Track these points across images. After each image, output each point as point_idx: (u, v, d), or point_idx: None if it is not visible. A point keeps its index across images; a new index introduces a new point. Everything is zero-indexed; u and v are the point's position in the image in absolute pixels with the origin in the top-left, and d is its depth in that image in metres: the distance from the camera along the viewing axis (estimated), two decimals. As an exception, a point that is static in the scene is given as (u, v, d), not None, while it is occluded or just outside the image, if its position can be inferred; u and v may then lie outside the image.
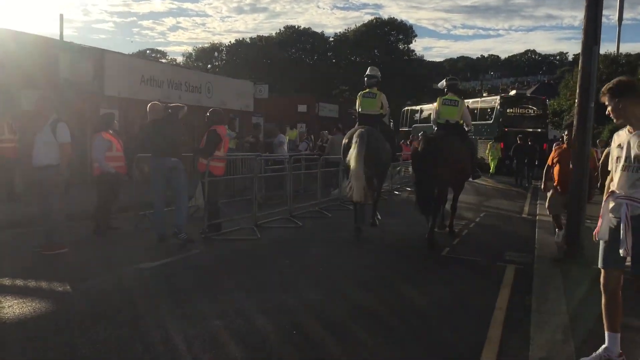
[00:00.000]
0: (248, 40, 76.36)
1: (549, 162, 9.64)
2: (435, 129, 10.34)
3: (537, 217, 12.68)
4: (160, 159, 8.45)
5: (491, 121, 28.71)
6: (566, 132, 9.44)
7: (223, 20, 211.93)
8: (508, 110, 28.96)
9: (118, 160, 9.30)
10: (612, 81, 4.14)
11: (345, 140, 10.01)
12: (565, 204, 8.50)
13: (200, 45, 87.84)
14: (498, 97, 30.45)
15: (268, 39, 74.82)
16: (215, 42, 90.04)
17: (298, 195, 13.35)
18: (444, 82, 10.85)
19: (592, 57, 7.58)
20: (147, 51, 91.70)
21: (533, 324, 5.09)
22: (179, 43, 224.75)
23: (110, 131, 9.35)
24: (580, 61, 7.81)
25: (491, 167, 25.33)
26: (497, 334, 5.00)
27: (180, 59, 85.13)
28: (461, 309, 5.81)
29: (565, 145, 9.27)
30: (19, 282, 6.17)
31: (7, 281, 6.19)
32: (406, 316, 5.49)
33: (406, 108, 41.29)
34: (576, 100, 7.91)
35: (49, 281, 6.22)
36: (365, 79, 10.75)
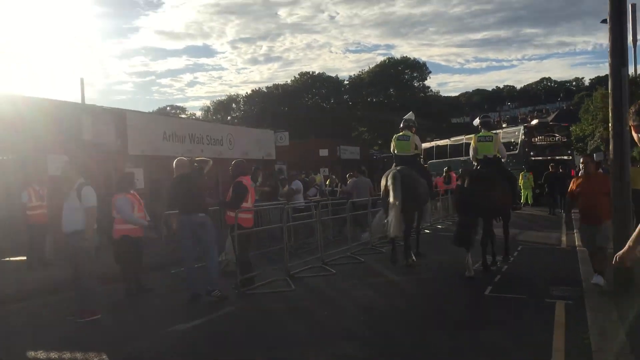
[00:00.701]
0: (264, 89, 77.51)
1: (569, 195, 8.86)
2: (475, 164, 10.91)
3: (578, 248, 12.26)
4: (188, 214, 8.33)
5: (516, 151, 28.35)
6: (582, 160, 9.15)
7: (239, 72, 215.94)
8: (533, 140, 28.67)
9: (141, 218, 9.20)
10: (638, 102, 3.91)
11: (383, 182, 10.86)
12: (596, 236, 8.10)
13: (217, 99, 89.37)
14: (522, 127, 30.22)
15: (284, 86, 75.84)
16: (232, 94, 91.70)
17: (328, 241, 13.12)
18: (478, 120, 11.58)
19: (621, 79, 7.38)
20: (167, 108, 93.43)
21: (597, 366, 4.76)
22: (197, 98, 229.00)
23: (132, 191, 9.25)
24: (610, 84, 7.61)
25: (526, 198, 24.89)
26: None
27: (199, 113, 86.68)
28: (519, 352, 5.49)
29: (584, 174, 8.74)
30: (53, 354, 5.99)
31: (41, 353, 6.01)
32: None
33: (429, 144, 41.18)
34: (610, 125, 7.67)
35: (84, 350, 6.03)
36: (402, 122, 11.69)
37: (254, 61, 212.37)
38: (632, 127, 4.01)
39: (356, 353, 5.68)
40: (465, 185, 9.96)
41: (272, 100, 71.67)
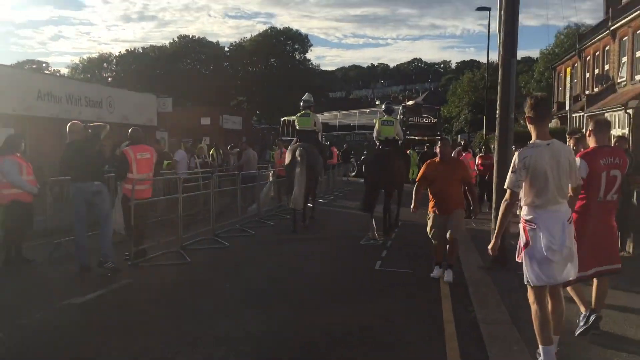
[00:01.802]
0: (140, 50, 73.95)
1: (419, 179, 8.00)
2: (378, 143, 12.51)
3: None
4: (83, 183, 7.97)
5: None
6: (439, 145, 8.09)
7: (109, 29, 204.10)
8: (409, 120, 30.15)
9: (31, 183, 8.65)
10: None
11: (289, 155, 12.77)
12: (447, 226, 7.66)
13: (86, 55, 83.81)
14: (400, 107, 31.57)
15: (162, 48, 72.79)
16: (102, 51, 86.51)
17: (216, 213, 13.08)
18: (383, 106, 13.73)
19: (510, 70, 8.09)
20: (27, 62, 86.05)
21: (485, 336, 5.32)
22: (62, 53, 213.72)
23: (18, 154, 8.63)
24: (499, 73, 8.29)
25: (412, 174, 26.17)
26: (456, 349, 5.16)
27: (64, 70, 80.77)
28: (412, 324, 5.95)
29: (438, 159, 7.94)
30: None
31: None
32: (361, 336, 5.54)
33: (285, 118, 41.53)
34: (497, 113, 8.38)
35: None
36: (302, 103, 13.36)
37: (127, 18, 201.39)
38: (527, 118, 4.56)
39: (257, 323, 5.85)
40: (371, 161, 11.90)
41: (149, 62, 68.58)
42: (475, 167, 15.22)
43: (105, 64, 76.59)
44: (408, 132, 29.21)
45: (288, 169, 12.64)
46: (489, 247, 4.79)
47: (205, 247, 10.17)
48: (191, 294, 7.19)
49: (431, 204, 7.85)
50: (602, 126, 5.27)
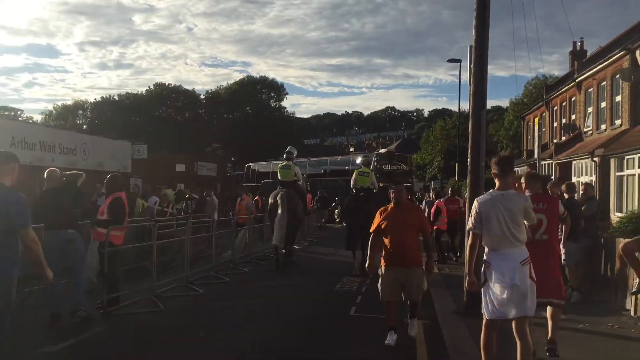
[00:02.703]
0: (115, 97, 73.94)
1: (374, 231, 7.08)
2: (354, 191, 13.91)
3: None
4: (57, 231, 7.90)
5: None
6: (392, 189, 7.15)
7: (85, 76, 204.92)
8: (383, 167, 30.80)
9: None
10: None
11: (271, 200, 14.06)
12: (405, 285, 6.94)
13: (61, 102, 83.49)
14: (374, 155, 32.43)
15: (137, 96, 72.91)
16: (77, 98, 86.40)
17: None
18: (360, 159, 16.88)
19: (480, 120, 8.37)
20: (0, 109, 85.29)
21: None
22: (35, 100, 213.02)
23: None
24: (470, 122, 8.57)
25: None
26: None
27: (38, 117, 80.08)
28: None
29: (392, 205, 7.06)
30: None
31: None
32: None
33: (250, 165, 42.08)
34: (468, 160, 8.62)
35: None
36: (285, 154, 14.53)
37: (103, 66, 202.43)
38: (492, 173, 5.35)
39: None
40: (351, 206, 13.67)
41: (124, 109, 68.55)
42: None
43: (79, 111, 76.29)
44: (381, 179, 29.72)
45: (270, 212, 14.08)
46: (465, 284, 5.88)
47: (179, 295, 10.07)
48: (164, 342, 7.11)
49: (383, 256, 6.79)
50: (533, 178, 6.40)
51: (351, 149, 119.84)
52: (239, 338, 7.27)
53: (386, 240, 6.84)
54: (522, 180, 6.30)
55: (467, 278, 5.41)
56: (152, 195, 16.57)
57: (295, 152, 14.83)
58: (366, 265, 7.04)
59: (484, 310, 5.16)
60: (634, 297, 8.20)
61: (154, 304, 9.04)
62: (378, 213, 7.04)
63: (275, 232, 13.39)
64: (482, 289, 5.13)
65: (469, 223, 5.34)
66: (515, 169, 5.61)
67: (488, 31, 8.43)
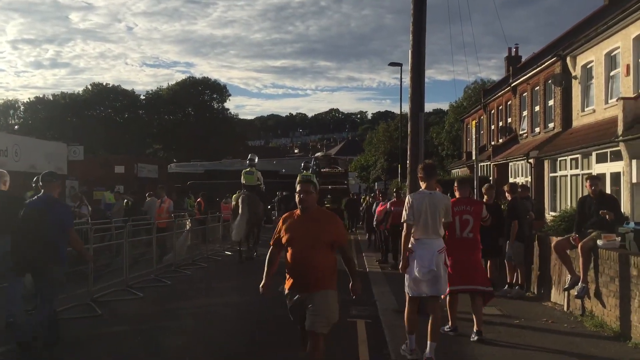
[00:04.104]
0: (50, 97, 71.37)
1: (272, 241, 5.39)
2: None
3: (367, 269, 13.55)
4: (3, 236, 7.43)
5: None
6: (298, 189, 5.25)
7: (18, 75, 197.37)
8: (321, 169, 31.42)
9: None
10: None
11: (233, 202, 15.92)
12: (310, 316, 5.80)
13: (-9, 102, 79.78)
14: (313, 158, 33.38)
15: (73, 96, 70.62)
16: (10, 98, 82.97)
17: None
18: (303, 164, 18.41)
19: (419, 123, 8.53)
20: None
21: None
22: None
23: None
24: (409, 125, 8.73)
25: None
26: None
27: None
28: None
29: (298, 211, 5.22)
30: None
31: None
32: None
33: (172, 165, 44.03)
34: (407, 162, 8.76)
35: None
36: (248, 161, 16.48)
37: (38, 65, 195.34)
38: (419, 178, 6.47)
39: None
40: (290, 207, 14.37)
41: (60, 109, 66.27)
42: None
43: (11, 111, 73.31)
44: (320, 181, 30.19)
45: (233, 212, 15.73)
46: (399, 267, 6.39)
47: (118, 299, 9.79)
48: (100, 349, 6.89)
49: (287, 277, 5.15)
50: (463, 183, 7.30)
51: (295, 151, 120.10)
52: (177, 343, 7.13)
53: (288, 256, 5.10)
54: (455, 185, 7.30)
55: (401, 260, 6.35)
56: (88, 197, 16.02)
57: (257, 159, 16.80)
58: (260, 286, 5.26)
59: (406, 289, 6.29)
60: (566, 292, 8.53)
61: (92, 309, 8.76)
62: (281, 220, 5.33)
63: (234, 230, 14.89)
64: (405, 272, 6.21)
65: (404, 215, 6.26)
66: (437, 172, 6.76)
67: (424, 37, 8.61)
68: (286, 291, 5.13)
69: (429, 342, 6.01)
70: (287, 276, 5.11)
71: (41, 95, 72.33)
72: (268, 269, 5.31)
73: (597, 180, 8.57)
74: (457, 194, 7.18)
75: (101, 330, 7.82)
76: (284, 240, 5.12)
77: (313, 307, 4.90)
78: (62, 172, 22.39)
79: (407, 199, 6.36)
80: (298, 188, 5.18)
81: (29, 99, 72.95)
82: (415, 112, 8.59)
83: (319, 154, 47.64)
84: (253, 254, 15.63)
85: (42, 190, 6.83)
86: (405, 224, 6.24)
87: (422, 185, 6.38)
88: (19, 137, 21.61)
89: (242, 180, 15.98)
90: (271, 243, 5.38)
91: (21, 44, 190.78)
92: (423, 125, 8.63)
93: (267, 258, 5.36)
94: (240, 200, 15.09)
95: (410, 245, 6.18)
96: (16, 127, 65.27)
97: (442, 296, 6.55)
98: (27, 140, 21.64)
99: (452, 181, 9.41)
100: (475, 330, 7.00)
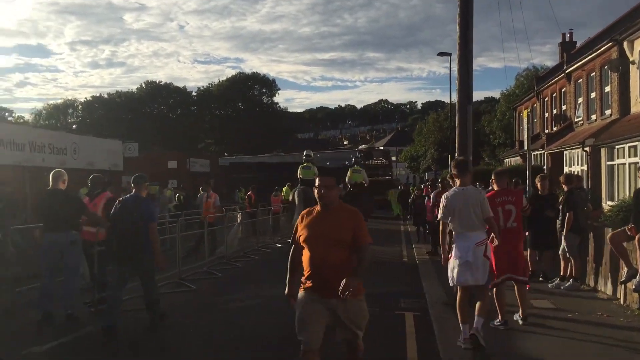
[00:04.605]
0: (106, 95, 73.68)
1: (294, 243, 4.94)
2: (349, 186, 16.64)
3: (417, 262, 13.45)
4: (59, 232, 7.80)
5: None
6: (317, 183, 4.77)
7: (77, 75, 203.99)
8: (366, 162, 31.62)
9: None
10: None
11: (291, 197, 16.30)
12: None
13: (51, 102, 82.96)
14: (357, 151, 35.00)
15: (128, 94, 72.66)
16: (69, 97, 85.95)
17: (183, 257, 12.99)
18: (353, 159, 18.90)
19: (467, 115, 8.40)
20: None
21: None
22: (27, 99, 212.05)
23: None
24: (457, 117, 8.61)
25: (396, 210, 29.52)
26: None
27: (29, 117, 79.58)
28: (378, 362, 5.97)
29: (318, 207, 4.84)
30: None
31: None
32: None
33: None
34: (453, 156, 8.65)
35: None
36: (304, 157, 17.13)
37: (95, 65, 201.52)
38: (453, 174, 6.74)
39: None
40: (347, 199, 14.29)
41: (115, 107, 68.34)
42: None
43: (70, 110, 76.03)
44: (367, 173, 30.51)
45: (290, 206, 16.62)
46: (442, 260, 6.69)
47: (171, 291, 10.06)
48: (156, 340, 7.11)
49: (304, 278, 4.72)
50: (499, 175, 7.41)
51: (345, 142, 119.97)
52: (228, 334, 7.28)
53: (305, 258, 4.70)
54: (492, 177, 7.44)
55: (442, 254, 6.67)
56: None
57: (313, 154, 17.66)
58: (286, 294, 4.86)
59: (449, 278, 6.55)
60: (623, 285, 8.25)
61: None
62: (299, 217, 4.96)
63: (294, 222, 15.24)
64: (447, 264, 6.53)
65: (439, 214, 6.61)
66: (470, 168, 7.15)
67: (472, 30, 8.51)
68: (301, 293, 4.61)
69: (476, 317, 6.28)
70: (305, 279, 4.64)
71: (98, 94, 74.82)
72: (291, 275, 4.80)
73: (651, 169, 8.28)
74: (495, 186, 7.34)
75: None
76: (301, 238, 4.67)
77: (347, 316, 4.53)
78: (118, 168, 23.13)
79: (442, 197, 6.65)
80: (317, 182, 4.73)
81: (86, 98, 75.54)
82: (463, 105, 8.47)
83: (362, 146, 47.88)
84: None
85: (133, 190, 7.70)
86: (441, 222, 6.55)
87: (457, 181, 6.60)
88: (77, 136, 22.42)
89: (299, 175, 16.55)
90: (291, 243, 4.90)
91: (79, 45, 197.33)
92: (471, 118, 8.50)
93: (288, 261, 4.83)
94: (296, 195, 15.67)
95: (453, 239, 6.50)
96: (74, 126, 67.60)
97: (490, 287, 6.78)
98: (84, 138, 22.41)
99: (503, 171, 9.27)
100: (521, 316, 7.30)
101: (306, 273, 4.64)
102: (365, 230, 4.69)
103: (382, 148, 50.32)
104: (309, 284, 4.59)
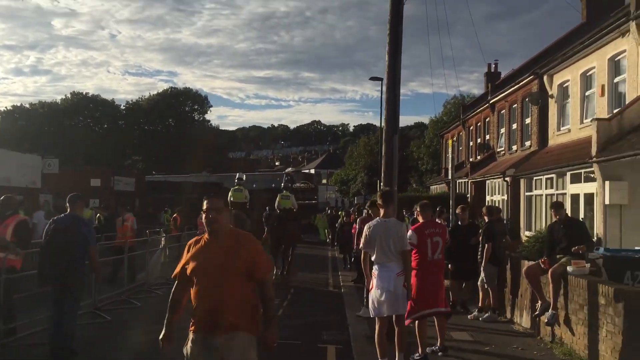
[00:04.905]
0: (28, 105, 70.57)
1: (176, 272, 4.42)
2: (278, 211, 16.31)
3: (342, 290, 13.46)
4: None
5: None
6: (205, 205, 4.19)
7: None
8: (291, 186, 32.12)
9: None
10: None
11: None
12: None
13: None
14: (284, 174, 36.00)
15: (52, 105, 69.89)
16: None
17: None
18: (283, 184, 18.84)
19: (393, 145, 8.50)
20: None
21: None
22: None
23: None
24: (383, 148, 8.72)
25: (323, 235, 30.01)
26: None
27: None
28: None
29: (206, 235, 4.30)
30: None
31: None
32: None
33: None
34: (381, 185, 8.72)
35: None
36: (237, 180, 17.74)
37: (18, 72, 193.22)
38: (378, 205, 7.14)
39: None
40: (275, 224, 15.93)
41: (37, 118, 65.49)
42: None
43: (-12, 120, 72.25)
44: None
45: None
46: (366, 285, 7.24)
47: (85, 323, 9.53)
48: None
49: (191, 315, 4.19)
50: (424, 208, 7.57)
51: (277, 163, 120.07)
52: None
53: (192, 291, 4.14)
54: (417, 209, 7.77)
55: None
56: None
57: (245, 177, 18.30)
58: (160, 338, 4.35)
59: (370, 310, 6.84)
60: (537, 319, 8.51)
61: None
62: (186, 247, 4.39)
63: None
64: (369, 293, 6.82)
65: (361, 243, 6.91)
66: (395, 199, 7.33)
67: (400, 62, 8.63)
68: (190, 336, 4.13)
69: (397, 353, 6.58)
70: (192, 317, 4.13)
71: (19, 104, 71.56)
72: (170, 314, 4.27)
73: (560, 207, 8.85)
74: (420, 218, 7.58)
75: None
76: (188, 270, 4.13)
77: (226, 355, 3.97)
78: (35, 185, 22.07)
79: (365, 226, 6.96)
80: (205, 205, 4.12)
81: (6, 107, 72.02)
82: (390, 135, 8.57)
83: (289, 169, 48.67)
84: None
85: (68, 210, 7.49)
86: (362, 251, 6.91)
87: (381, 211, 6.89)
88: (-8, 149, 21.26)
89: (230, 198, 16.79)
90: (173, 276, 4.35)
91: (1, 49, 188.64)
92: (397, 148, 8.60)
93: (170, 299, 4.28)
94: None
95: (373, 269, 6.72)
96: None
97: (408, 322, 6.96)
98: (1, 152, 21.27)
99: (431, 198, 9.51)
100: (439, 347, 7.51)
101: (193, 310, 4.11)
102: (264, 258, 4.23)
103: (308, 171, 51.64)
104: (194, 323, 4.12)
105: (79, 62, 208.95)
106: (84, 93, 71.78)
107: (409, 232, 7.15)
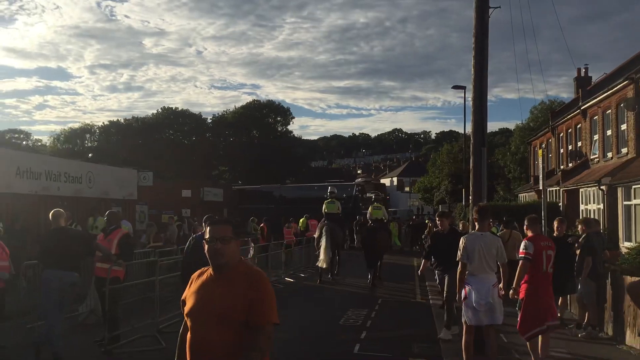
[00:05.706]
0: (122, 121, 74.52)
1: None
2: (370, 222, 17.65)
3: (431, 301, 13.26)
4: (59, 271, 7.73)
5: (350, 204, 32.75)
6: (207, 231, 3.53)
7: (95, 98, 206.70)
8: (363, 195, 32.30)
9: (3, 269, 8.56)
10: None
11: (317, 232, 17.56)
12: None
13: (69, 125, 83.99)
14: (355, 184, 37.13)
15: (144, 119, 73.47)
16: (87, 121, 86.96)
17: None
18: (374, 196, 19.46)
19: (482, 157, 8.34)
20: (8, 133, 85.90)
21: None
22: (46, 122, 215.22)
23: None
24: (471, 161, 8.55)
25: (397, 241, 30.18)
26: None
27: (46, 140, 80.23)
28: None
29: (211, 270, 3.65)
30: None
31: None
32: None
33: (237, 187, 46.93)
34: (470, 198, 8.58)
35: None
36: (329, 192, 18.82)
37: (113, 89, 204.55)
38: (474, 219, 7.42)
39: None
40: (367, 235, 17.19)
41: (131, 133, 69.04)
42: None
43: (87, 135, 76.86)
44: (362, 206, 30.59)
45: (316, 240, 17.38)
46: (457, 299, 7.63)
47: (140, 349, 9.59)
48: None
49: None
50: (533, 222, 7.61)
51: (358, 171, 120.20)
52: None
53: (187, 339, 3.40)
54: (526, 225, 7.64)
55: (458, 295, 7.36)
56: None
57: (336, 191, 19.44)
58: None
59: (464, 319, 7.03)
60: (641, 337, 8.06)
61: (156, 341, 8.93)
62: (189, 282, 3.57)
63: (320, 258, 16.62)
64: (463, 303, 7.02)
65: (459, 255, 7.06)
66: (490, 214, 7.62)
67: (486, 75, 8.48)
68: None
69: None
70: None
71: (115, 119, 75.68)
72: (179, 353, 3.52)
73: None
74: (529, 233, 7.54)
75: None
76: (185, 311, 3.43)
77: None
78: (132, 197, 23.21)
79: (462, 240, 7.17)
80: (207, 233, 3.39)
81: (103, 123, 76.36)
82: (478, 147, 8.41)
83: (359, 179, 48.41)
84: (334, 275, 17.75)
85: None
86: (460, 262, 7.07)
87: (477, 225, 7.24)
88: (92, 164, 22.56)
89: (324, 209, 18.06)
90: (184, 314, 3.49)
91: (98, 68, 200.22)
92: (485, 160, 8.43)
93: (179, 337, 3.59)
94: (323, 231, 16.88)
95: (468, 280, 6.98)
96: (89, 154, 68.32)
97: (524, 338, 7.27)
98: (99, 167, 22.55)
99: (520, 208, 9.18)
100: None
101: (190, 346, 3.34)
102: (270, 304, 3.30)
103: (379, 182, 52.12)
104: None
105: (168, 78, 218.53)
106: (173, 108, 74.99)
107: (524, 242, 7.28)
